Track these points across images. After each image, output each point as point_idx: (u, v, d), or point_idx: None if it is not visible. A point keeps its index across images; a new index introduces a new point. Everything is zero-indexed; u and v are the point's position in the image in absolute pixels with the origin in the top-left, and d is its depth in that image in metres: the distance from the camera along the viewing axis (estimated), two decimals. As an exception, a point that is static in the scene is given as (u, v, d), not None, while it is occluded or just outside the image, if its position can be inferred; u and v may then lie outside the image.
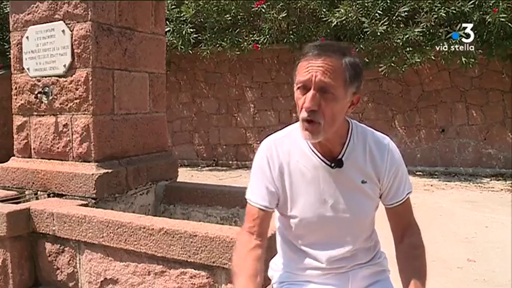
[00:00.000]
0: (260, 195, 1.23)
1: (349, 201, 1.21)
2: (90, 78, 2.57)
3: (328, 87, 1.09)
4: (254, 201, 1.24)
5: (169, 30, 6.89)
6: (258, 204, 1.23)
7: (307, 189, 1.22)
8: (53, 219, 2.29)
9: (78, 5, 2.57)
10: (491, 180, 6.43)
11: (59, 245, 2.33)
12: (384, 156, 1.22)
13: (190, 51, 7.27)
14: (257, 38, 7.01)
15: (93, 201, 2.52)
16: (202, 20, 7.21)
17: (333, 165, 1.20)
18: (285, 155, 1.24)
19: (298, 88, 1.13)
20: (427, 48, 6.02)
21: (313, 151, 1.22)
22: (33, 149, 2.85)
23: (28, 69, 2.81)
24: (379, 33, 5.95)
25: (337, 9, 6.15)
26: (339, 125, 1.17)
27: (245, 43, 7.02)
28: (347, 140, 1.22)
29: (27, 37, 2.79)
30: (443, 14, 5.84)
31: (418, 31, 5.85)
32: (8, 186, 2.85)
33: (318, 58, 1.10)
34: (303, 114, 1.12)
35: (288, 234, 1.30)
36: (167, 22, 6.53)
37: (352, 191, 1.21)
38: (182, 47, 7.11)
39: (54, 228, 2.29)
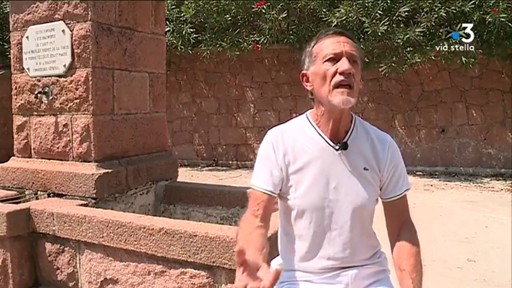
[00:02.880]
0: (264, 180, 1.26)
1: (352, 185, 1.24)
2: (90, 78, 2.57)
3: (356, 57, 1.21)
4: (258, 185, 1.26)
5: (169, 30, 6.88)
6: (262, 188, 1.25)
7: (312, 172, 1.25)
8: (53, 219, 2.29)
9: (78, 5, 2.57)
10: (491, 180, 6.42)
11: (59, 245, 2.33)
12: (385, 149, 1.28)
13: (190, 51, 7.27)
14: (257, 38, 7.00)
15: (93, 201, 2.51)
16: (202, 20, 7.20)
17: (338, 147, 1.24)
18: (290, 140, 1.28)
19: (326, 60, 1.20)
20: (427, 48, 6.02)
21: (319, 134, 1.27)
22: (33, 149, 2.85)
23: (28, 69, 2.81)
24: (379, 34, 5.94)
25: (337, 9, 6.14)
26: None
27: (245, 43, 7.01)
28: (351, 128, 1.28)
29: (27, 37, 2.79)
30: (444, 14, 5.83)
31: (418, 31, 5.85)
32: (8, 186, 2.85)
33: (341, 35, 1.24)
34: (338, 79, 1.18)
35: (289, 223, 1.30)
36: (167, 22, 6.53)
37: (355, 176, 1.25)
38: (182, 47, 7.11)
39: (54, 228, 2.29)
